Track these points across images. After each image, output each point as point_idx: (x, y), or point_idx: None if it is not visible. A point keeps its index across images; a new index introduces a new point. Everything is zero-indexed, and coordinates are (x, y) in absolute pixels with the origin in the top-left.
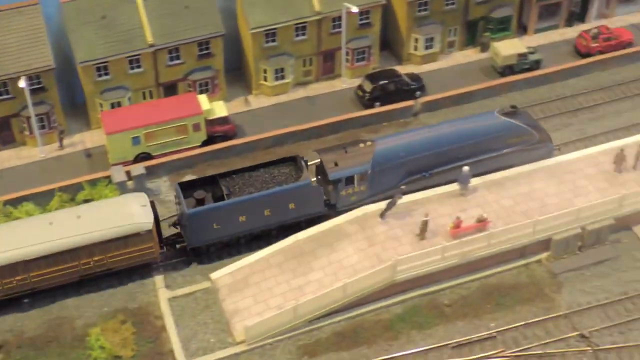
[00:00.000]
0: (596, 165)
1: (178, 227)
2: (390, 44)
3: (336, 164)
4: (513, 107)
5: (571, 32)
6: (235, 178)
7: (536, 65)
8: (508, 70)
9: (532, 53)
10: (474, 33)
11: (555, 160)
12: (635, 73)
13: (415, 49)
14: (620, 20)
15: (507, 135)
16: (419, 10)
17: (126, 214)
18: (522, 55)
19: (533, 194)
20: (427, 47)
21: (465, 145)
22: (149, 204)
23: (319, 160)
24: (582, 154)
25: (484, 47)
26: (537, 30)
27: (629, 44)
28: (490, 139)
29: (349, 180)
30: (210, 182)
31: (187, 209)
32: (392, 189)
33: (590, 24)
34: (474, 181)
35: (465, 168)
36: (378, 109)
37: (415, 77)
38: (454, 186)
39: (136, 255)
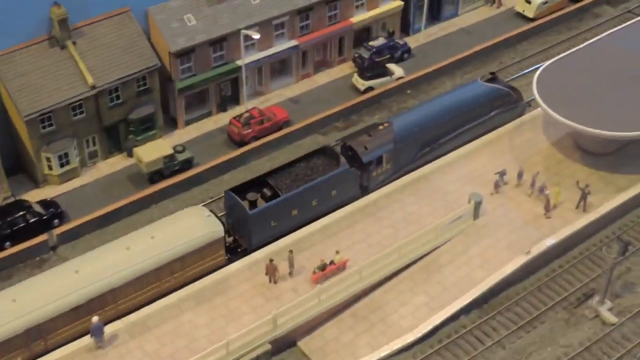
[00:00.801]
0: (250, 280)
1: (231, 233)
2: (23, 167)
3: (366, 148)
4: (492, 73)
5: (227, 118)
6: (280, 176)
7: (187, 164)
8: (157, 175)
9: (180, 152)
10: (116, 138)
11: (203, 282)
12: (289, 156)
13: (50, 168)
14: (277, 96)
15: (493, 99)
16: (44, 127)
17: (197, 225)
18: (168, 157)
19: (181, 330)
20: (62, 165)
21: (463, 114)
22: (212, 214)
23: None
24: (234, 268)
25: (130, 152)
26: (189, 122)
27: (286, 123)
28: (481, 105)
29: (379, 160)
30: (251, 186)
31: (249, 210)
32: (409, 163)
33: (245, 106)
34: (113, 326)
35: (95, 318)
36: (7, 251)
37: (49, 204)
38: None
39: (208, 264)
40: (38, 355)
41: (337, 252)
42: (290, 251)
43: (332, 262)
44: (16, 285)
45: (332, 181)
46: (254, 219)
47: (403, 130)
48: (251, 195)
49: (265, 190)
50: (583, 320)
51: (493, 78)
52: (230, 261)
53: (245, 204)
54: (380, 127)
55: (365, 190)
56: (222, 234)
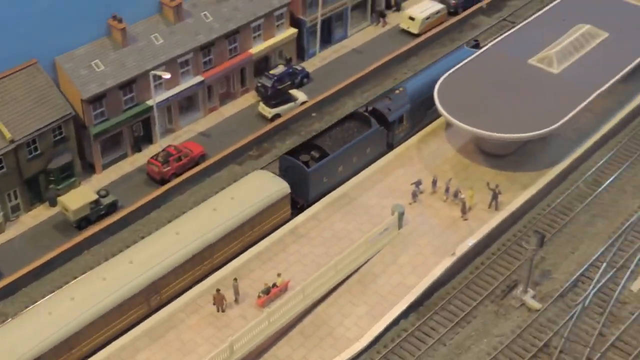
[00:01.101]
0: (198, 311)
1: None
2: None
3: (389, 109)
4: (475, 40)
5: (142, 158)
6: (323, 139)
7: (113, 208)
8: (85, 222)
9: (104, 196)
10: (37, 189)
11: (154, 319)
12: (211, 190)
13: None
14: (187, 132)
15: None
16: None
17: (268, 184)
18: (94, 203)
19: None
20: None
21: None
22: (276, 175)
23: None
24: (181, 302)
25: (53, 201)
26: (106, 165)
27: (202, 157)
28: None
29: (400, 120)
30: (299, 150)
31: (307, 168)
32: (421, 121)
33: (158, 144)
34: None
35: None
36: None
37: None
38: None
39: (278, 219)
40: (155, 310)
41: (279, 275)
42: (235, 279)
43: (274, 285)
44: (129, 249)
45: (367, 140)
46: (311, 175)
47: (414, 93)
48: (303, 157)
49: (313, 152)
50: (511, 310)
51: (476, 44)
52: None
53: (301, 164)
54: (397, 92)
55: (390, 147)
56: (289, 190)
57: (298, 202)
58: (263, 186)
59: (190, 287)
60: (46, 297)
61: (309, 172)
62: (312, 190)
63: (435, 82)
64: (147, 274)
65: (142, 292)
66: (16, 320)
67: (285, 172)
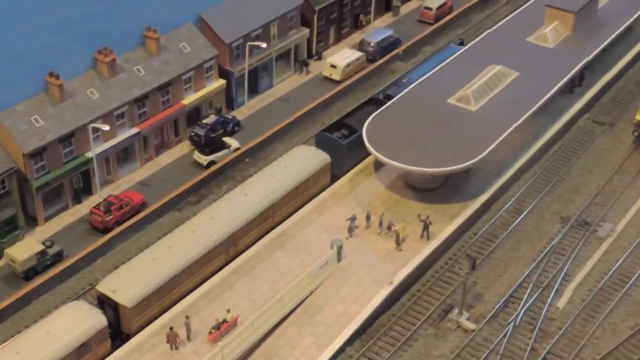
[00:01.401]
0: (152, 350)
1: None
2: None
3: None
4: (460, 39)
5: (83, 209)
6: (351, 119)
7: (59, 257)
8: (32, 272)
9: (50, 247)
10: None
11: (110, 359)
12: (154, 235)
13: None
14: (126, 182)
15: None
16: None
17: (311, 155)
18: (40, 253)
19: None
20: None
21: None
22: (317, 149)
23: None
24: (134, 342)
25: None
26: (48, 217)
27: (142, 205)
28: None
29: None
30: (331, 130)
31: (342, 142)
32: None
33: (98, 195)
34: None
35: None
36: None
37: None
38: None
39: (319, 186)
40: (233, 258)
41: (228, 311)
42: (187, 317)
43: (224, 321)
44: (209, 207)
45: None
46: (345, 147)
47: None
48: (337, 134)
49: (343, 130)
50: (448, 332)
51: (461, 42)
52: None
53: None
54: (404, 80)
55: None
56: (329, 160)
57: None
58: (308, 156)
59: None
60: None
61: (344, 144)
62: (346, 161)
63: (430, 71)
64: (225, 229)
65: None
66: None
67: (322, 148)
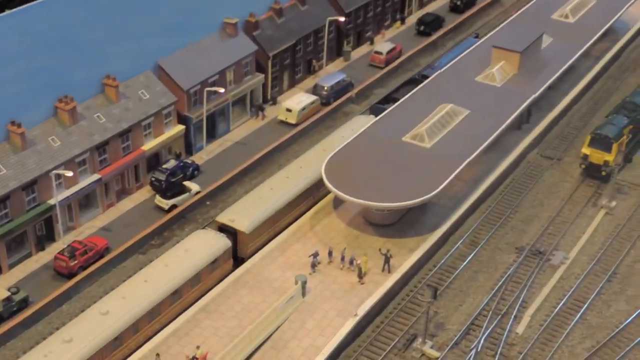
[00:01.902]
0: None
1: None
2: None
3: None
4: (476, 33)
5: (47, 256)
6: (397, 94)
7: (24, 304)
8: None
9: (15, 293)
10: None
11: None
12: (119, 279)
13: None
14: (88, 228)
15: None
16: None
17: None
18: (6, 300)
19: None
20: None
21: None
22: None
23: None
24: None
25: None
26: (12, 265)
27: (106, 250)
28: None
29: None
30: (382, 102)
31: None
32: None
33: (61, 241)
34: None
35: None
36: None
37: None
38: None
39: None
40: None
41: (198, 347)
42: (157, 355)
43: (194, 357)
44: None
45: None
46: None
47: (443, 64)
48: (388, 106)
49: (391, 102)
50: None
51: (476, 36)
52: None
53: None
54: (435, 64)
55: None
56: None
57: None
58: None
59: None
60: None
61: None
62: None
63: (455, 58)
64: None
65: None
66: None
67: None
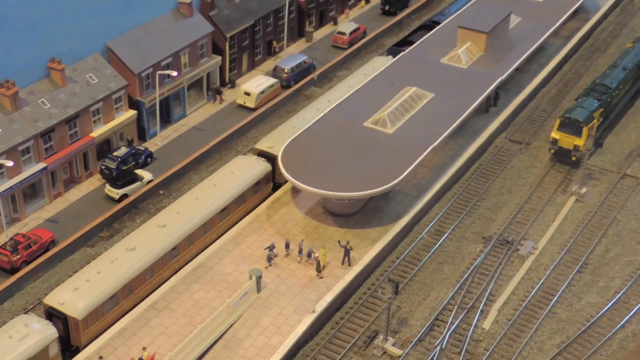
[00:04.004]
0: None
1: None
2: None
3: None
4: None
5: None
6: (413, 37)
7: None
8: None
9: None
10: None
11: None
12: (65, 274)
13: None
14: (34, 219)
15: None
16: None
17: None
18: None
19: None
20: None
21: None
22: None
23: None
24: None
25: None
26: None
27: (52, 243)
28: None
29: None
30: (400, 44)
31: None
32: None
33: (5, 234)
34: None
35: None
36: None
37: None
38: None
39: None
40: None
41: (144, 349)
42: (100, 357)
43: (141, 359)
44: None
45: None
46: None
47: (453, 12)
48: (405, 47)
49: (406, 45)
50: (374, 359)
51: None
52: None
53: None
54: (446, 11)
55: None
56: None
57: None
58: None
59: None
60: None
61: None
62: None
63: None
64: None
65: None
66: None
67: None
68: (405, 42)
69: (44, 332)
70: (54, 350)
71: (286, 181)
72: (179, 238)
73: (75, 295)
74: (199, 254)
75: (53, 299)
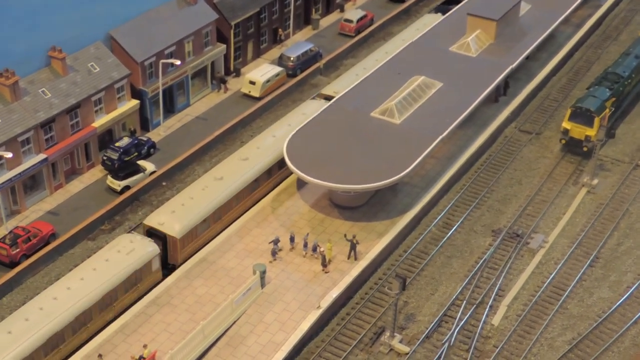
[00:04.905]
0: None
1: None
2: None
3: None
4: None
5: None
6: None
7: None
8: None
9: None
10: None
11: None
12: (66, 268)
13: None
14: (34, 212)
15: None
16: None
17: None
18: None
19: None
20: None
21: None
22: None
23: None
24: None
25: None
26: None
27: (52, 236)
28: None
29: None
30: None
31: None
32: None
33: (5, 227)
34: None
35: None
36: None
37: None
38: None
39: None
40: None
41: (145, 346)
42: (100, 355)
43: (141, 357)
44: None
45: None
46: None
47: None
48: (452, 6)
49: (454, 4)
50: (381, 356)
51: None
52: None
53: None
54: None
55: None
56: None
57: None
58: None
59: None
60: None
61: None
62: None
63: None
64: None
65: None
66: None
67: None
68: (453, 0)
69: (147, 248)
70: (156, 265)
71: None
72: (260, 171)
73: (173, 217)
74: (278, 185)
75: (153, 220)
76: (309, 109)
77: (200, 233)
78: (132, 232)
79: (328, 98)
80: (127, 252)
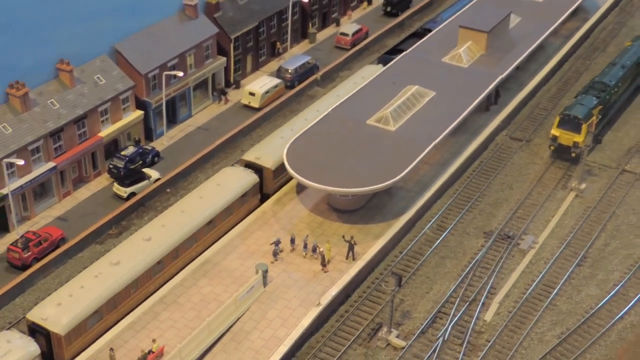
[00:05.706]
0: None
1: None
2: None
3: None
4: None
5: (0, 247)
6: (403, 46)
7: None
8: None
9: None
10: None
11: None
12: (75, 270)
13: None
14: (44, 218)
15: None
16: None
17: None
18: None
19: None
20: None
21: None
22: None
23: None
24: None
25: None
26: None
27: (62, 240)
28: None
29: None
30: (391, 53)
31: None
32: None
33: (15, 232)
34: None
35: None
36: None
37: None
38: None
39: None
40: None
41: (154, 341)
42: (111, 349)
43: (150, 352)
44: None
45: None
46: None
47: (446, 18)
48: (395, 56)
49: (397, 53)
50: (378, 351)
51: None
52: None
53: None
54: (437, 19)
55: None
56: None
57: None
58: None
59: None
60: None
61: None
62: None
63: (457, 11)
64: None
65: None
66: None
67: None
68: (396, 51)
69: (26, 349)
70: None
71: (275, 192)
72: (164, 252)
73: (58, 310)
74: (184, 267)
75: (36, 315)
76: (224, 179)
77: (90, 326)
78: (11, 328)
79: (249, 164)
80: (2, 354)
